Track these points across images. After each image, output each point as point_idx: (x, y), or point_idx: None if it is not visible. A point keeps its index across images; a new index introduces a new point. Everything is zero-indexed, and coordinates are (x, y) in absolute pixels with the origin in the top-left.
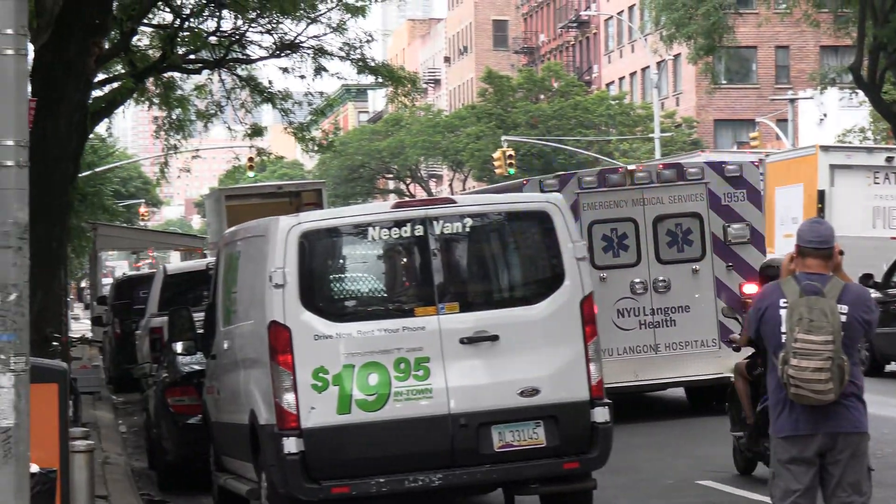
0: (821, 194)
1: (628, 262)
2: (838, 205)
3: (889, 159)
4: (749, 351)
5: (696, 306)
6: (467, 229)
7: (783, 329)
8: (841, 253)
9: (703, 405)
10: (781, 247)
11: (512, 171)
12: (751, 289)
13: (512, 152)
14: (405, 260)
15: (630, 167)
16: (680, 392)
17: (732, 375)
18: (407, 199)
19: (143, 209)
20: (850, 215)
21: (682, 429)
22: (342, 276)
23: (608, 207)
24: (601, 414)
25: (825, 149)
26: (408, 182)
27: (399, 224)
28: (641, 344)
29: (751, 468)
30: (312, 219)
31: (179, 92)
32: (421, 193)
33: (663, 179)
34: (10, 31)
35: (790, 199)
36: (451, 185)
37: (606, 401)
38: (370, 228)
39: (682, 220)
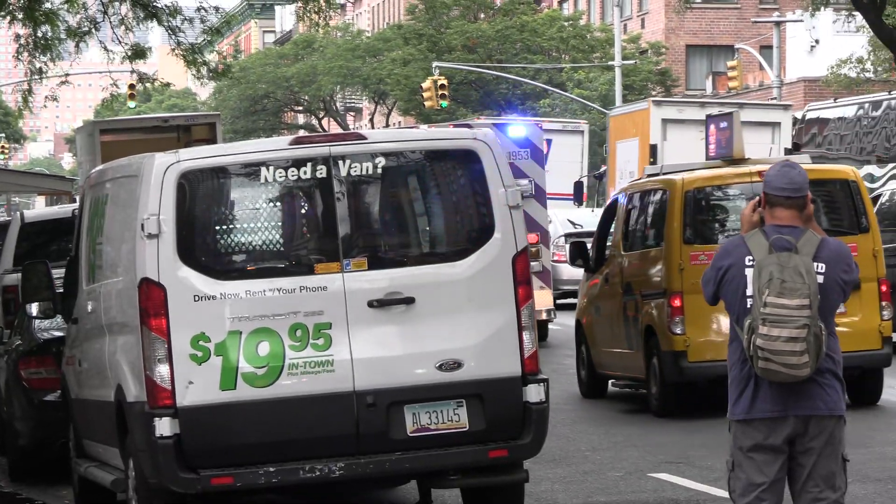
0: (653, 148)
1: None
2: (669, 158)
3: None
4: None
5: None
6: (379, 171)
7: (749, 292)
8: (813, 202)
9: None
10: None
11: (444, 103)
12: (532, 239)
13: (445, 81)
14: (305, 207)
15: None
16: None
17: None
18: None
19: (2, 145)
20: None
21: (631, 410)
22: (229, 225)
23: None
24: (535, 392)
25: (658, 103)
26: (321, 116)
27: (298, 163)
28: None
29: None
30: (194, 156)
31: (47, 5)
32: (336, 130)
33: None
34: None
35: (629, 153)
36: (371, 119)
37: (542, 376)
38: (263, 168)
39: None
